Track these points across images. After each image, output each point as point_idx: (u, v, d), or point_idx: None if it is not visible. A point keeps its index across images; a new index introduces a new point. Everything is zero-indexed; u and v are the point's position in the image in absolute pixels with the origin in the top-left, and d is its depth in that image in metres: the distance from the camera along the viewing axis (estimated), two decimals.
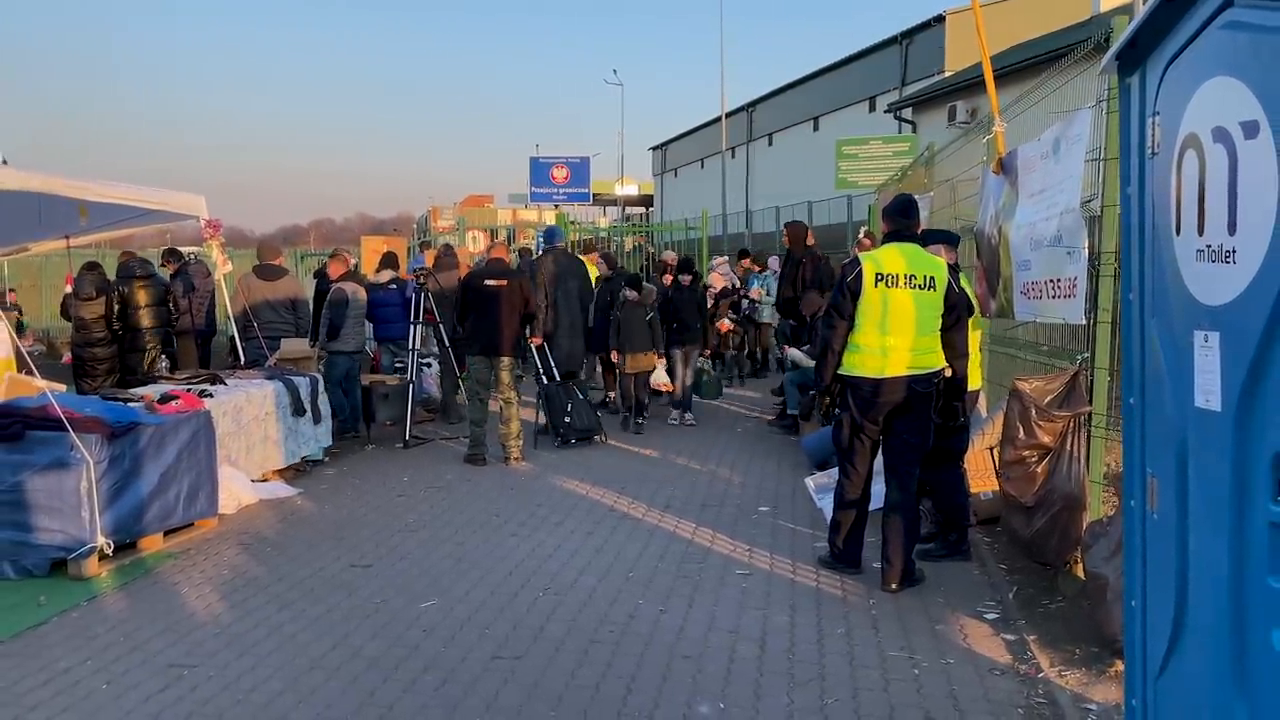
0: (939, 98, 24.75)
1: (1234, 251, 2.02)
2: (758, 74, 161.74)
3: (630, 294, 9.79)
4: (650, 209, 58.27)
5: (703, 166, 50.05)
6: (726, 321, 12.82)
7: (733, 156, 43.45)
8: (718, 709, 3.84)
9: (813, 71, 38.17)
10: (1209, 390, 2.14)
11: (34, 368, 6.88)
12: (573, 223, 28.02)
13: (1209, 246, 2.12)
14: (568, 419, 9.25)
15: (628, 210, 57.35)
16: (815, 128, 37.26)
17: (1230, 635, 2.09)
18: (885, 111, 29.38)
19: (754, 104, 44.12)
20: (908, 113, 27.51)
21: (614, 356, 10.02)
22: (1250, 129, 1.94)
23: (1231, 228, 2.02)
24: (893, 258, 5.11)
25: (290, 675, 4.16)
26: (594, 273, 11.35)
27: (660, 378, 9.99)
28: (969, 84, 21.48)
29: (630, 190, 58.52)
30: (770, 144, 42.85)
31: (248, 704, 3.90)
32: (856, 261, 5.21)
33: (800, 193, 31.43)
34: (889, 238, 5.36)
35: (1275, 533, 1.92)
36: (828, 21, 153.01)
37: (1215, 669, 2.17)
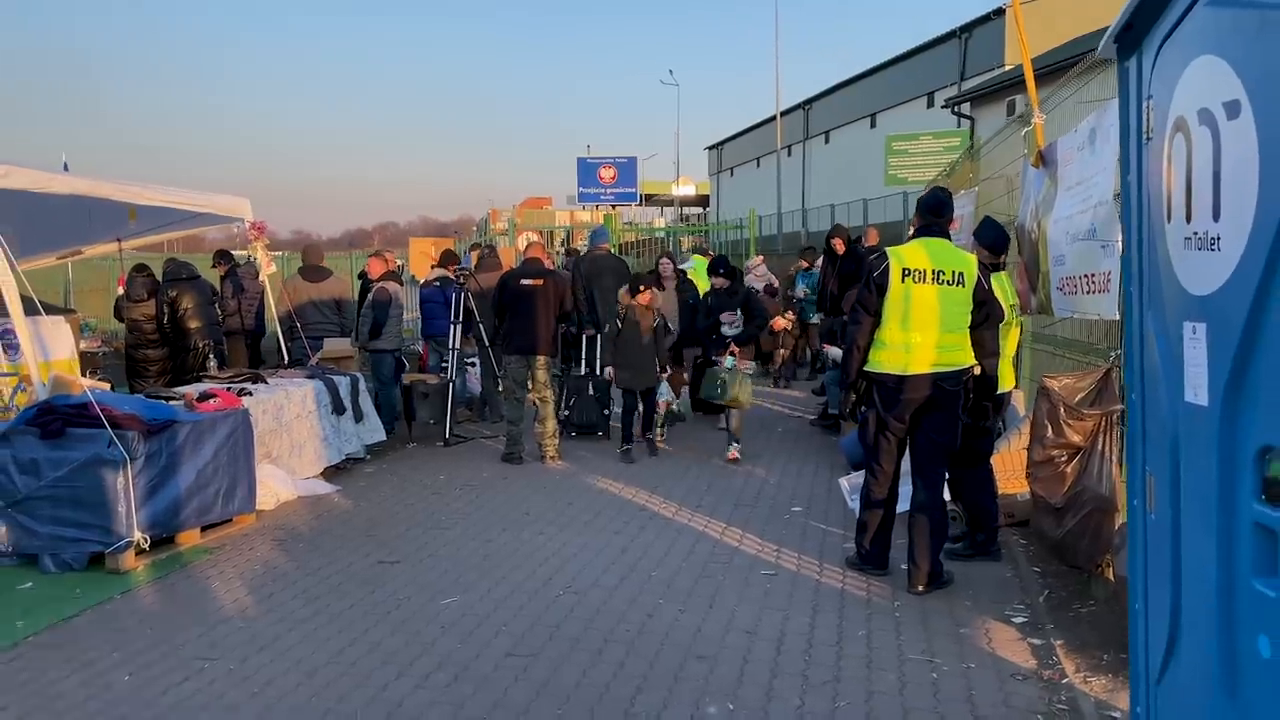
0: (998, 91, 24.28)
1: (1218, 238, 1.92)
2: (814, 71, 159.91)
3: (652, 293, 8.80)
4: (707, 209, 58.19)
5: (758, 165, 49.78)
6: (781, 320, 12.40)
7: (789, 155, 43.15)
8: (726, 710, 3.79)
9: (870, 68, 37.79)
10: (1197, 384, 2.04)
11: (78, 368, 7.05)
12: (628, 224, 28.04)
13: (1196, 233, 2.02)
14: (567, 412, 9.46)
15: (685, 210, 57.35)
16: (873, 124, 36.83)
17: (1220, 641, 1.99)
18: (943, 107, 28.91)
19: (810, 101, 43.76)
20: (965, 107, 27.03)
21: (608, 374, 8.91)
22: (1232, 109, 1.84)
23: (1216, 213, 1.92)
24: (917, 253, 5.02)
25: (307, 669, 4.21)
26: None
27: (661, 394, 8.84)
28: None
29: (687, 190, 58.56)
30: (827, 141, 42.47)
31: (262, 697, 3.95)
32: (884, 256, 5.12)
33: (858, 190, 31.11)
34: (919, 233, 5.27)
35: (1259, 533, 1.82)
36: (885, 17, 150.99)
37: (1207, 675, 2.07)
